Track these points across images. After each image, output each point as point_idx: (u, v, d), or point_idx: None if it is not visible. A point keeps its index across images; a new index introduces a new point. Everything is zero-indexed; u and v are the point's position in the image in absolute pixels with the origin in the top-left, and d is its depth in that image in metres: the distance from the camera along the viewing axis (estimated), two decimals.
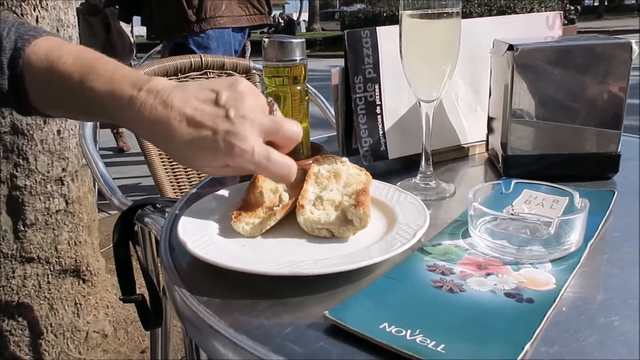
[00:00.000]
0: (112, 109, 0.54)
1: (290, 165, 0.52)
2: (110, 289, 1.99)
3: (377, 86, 0.75)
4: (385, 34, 0.74)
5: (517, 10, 13.60)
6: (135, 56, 3.99)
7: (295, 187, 0.61)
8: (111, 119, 0.56)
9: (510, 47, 0.68)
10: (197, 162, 0.52)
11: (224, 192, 0.65)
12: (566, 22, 17.99)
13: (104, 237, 2.51)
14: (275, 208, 0.56)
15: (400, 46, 0.65)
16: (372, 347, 0.37)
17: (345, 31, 0.73)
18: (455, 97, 0.81)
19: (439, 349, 0.36)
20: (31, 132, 1.65)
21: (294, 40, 0.68)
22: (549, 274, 0.47)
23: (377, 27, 0.74)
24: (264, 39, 0.69)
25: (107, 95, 0.53)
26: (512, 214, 0.58)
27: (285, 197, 0.59)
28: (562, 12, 0.88)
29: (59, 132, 1.72)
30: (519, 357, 0.35)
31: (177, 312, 0.49)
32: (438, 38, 0.64)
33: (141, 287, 1.00)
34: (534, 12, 14.41)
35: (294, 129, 0.53)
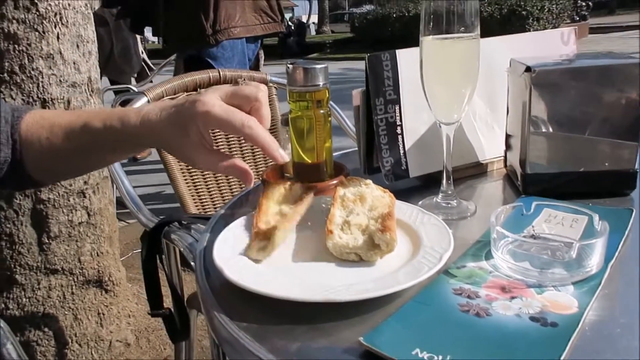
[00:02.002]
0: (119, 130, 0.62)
1: (249, 118, 0.58)
2: (131, 298, 2.03)
3: (397, 107, 0.77)
4: (405, 56, 0.76)
5: (528, 8, 13.51)
6: (150, 67, 4.04)
7: (298, 199, 0.64)
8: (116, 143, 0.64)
9: (528, 69, 0.70)
10: (176, 140, 0.60)
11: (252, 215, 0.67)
12: (578, 18, 17.84)
13: (123, 246, 2.55)
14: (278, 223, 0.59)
15: (421, 70, 0.68)
16: None
17: (367, 55, 0.75)
18: (472, 114, 0.83)
19: None
20: None
21: (317, 66, 0.70)
22: (572, 296, 0.49)
23: (397, 50, 0.76)
24: (287, 64, 0.72)
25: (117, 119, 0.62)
26: (533, 235, 0.60)
27: (286, 210, 0.62)
28: (575, 27, 0.90)
29: None
30: None
31: (215, 334, 0.52)
32: (458, 62, 0.66)
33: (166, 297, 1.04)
34: (545, 9, 14.06)
35: (252, 87, 0.60)
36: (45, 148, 0.64)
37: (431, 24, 0.63)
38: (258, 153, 1.49)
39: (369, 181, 0.68)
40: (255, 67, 2.75)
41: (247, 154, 1.48)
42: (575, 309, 0.47)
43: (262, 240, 0.57)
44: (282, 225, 0.58)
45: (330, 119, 0.76)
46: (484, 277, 0.53)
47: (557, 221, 0.62)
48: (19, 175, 0.66)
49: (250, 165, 1.46)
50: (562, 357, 0.40)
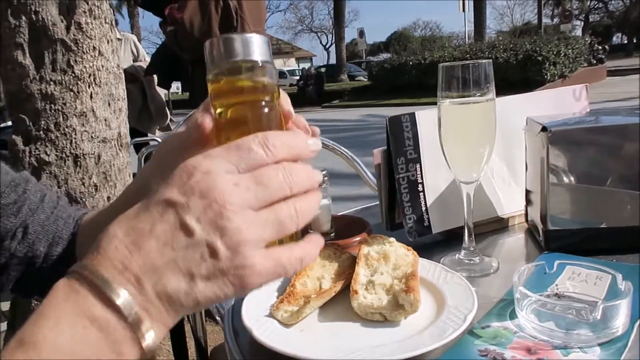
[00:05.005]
0: None
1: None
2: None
3: (418, 165, 0.80)
4: (423, 117, 0.80)
5: (544, 53, 13.66)
6: (171, 119, 4.19)
7: (341, 273, 0.65)
8: None
9: (544, 129, 0.72)
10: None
11: None
12: (595, 62, 17.95)
13: None
14: (312, 296, 0.60)
15: (440, 133, 0.70)
16: None
17: (387, 117, 0.78)
18: (490, 172, 0.85)
19: None
20: (84, 199, 1.75)
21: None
22: (598, 358, 0.49)
23: (416, 112, 0.80)
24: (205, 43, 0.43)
25: None
26: (557, 293, 0.60)
27: (325, 284, 0.62)
28: (587, 84, 0.92)
29: (109, 198, 1.82)
30: None
31: None
32: (475, 125, 0.69)
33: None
34: (561, 54, 14.07)
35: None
36: (96, 230, 0.61)
37: (448, 89, 0.67)
38: None
39: (393, 239, 0.69)
40: None
41: None
42: None
43: (292, 305, 0.58)
44: (315, 300, 0.59)
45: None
46: (509, 337, 0.54)
47: (580, 279, 0.63)
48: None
49: None
50: None
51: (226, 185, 0.34)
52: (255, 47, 0.41)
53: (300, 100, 19.37)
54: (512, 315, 0.58)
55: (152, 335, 0.34)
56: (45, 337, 0.31)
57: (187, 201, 0.34)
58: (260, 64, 0.41)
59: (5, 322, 1.89)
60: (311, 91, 19.81)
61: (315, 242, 0.39)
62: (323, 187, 0.71)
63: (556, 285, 0.62)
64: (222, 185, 0.34)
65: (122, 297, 0.33)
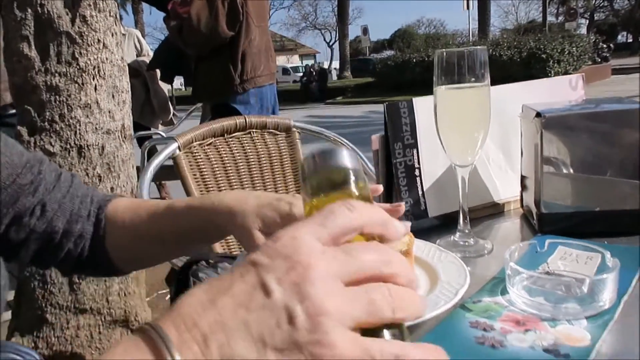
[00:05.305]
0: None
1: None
2: None
3: (415, 151, 0.82)
4: (421, 104, 0.81)
5: (548, 51, 13.64)
6: (174, 114, 4.21)
7: None
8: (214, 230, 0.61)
9: (538, 114, 0.74)
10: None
11: None
12: (599, 60, 17.91)
13: (148, 287, 2.59)
14: None
15: (436, 118, 0.72)
16: None
17: (385, 104, 0.80)
18: (487, 159, 0.87)
19: None
20: None
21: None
22: (584, 330, 0.51)
23: (413, 99, 0.81)
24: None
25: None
26: (547, 271, 0.62)
27: None
28: (583, 74, 0.94)
29: (112, 189, 1.84)
30: None
31: None
32: (470, 110, 0.71)
33: None
34: (565, 52, 13.98)
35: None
36: (128, 229, 0.64)
37: (443, 75, 0.68)
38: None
39: None
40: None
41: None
42: (588, 341, 0.49)
43: None
44: None
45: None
46: (500, 311, 0.56)
47: (572, 259, 0.65)
48: (100, 258, 0.66)
49: None
50: None
51: (313, 250, 0.32)
52: (349, 161, 0.39)
53: (303, 97, 19.41)
54: (504, 291, 0.60)
55: None
56: None
57: (270, 262, 0.32)
58: (353, 180, 0.39)
59: (10, 312, 1.92)
60: (314, 88, 19.82)
61: (429, 350, 0.33)
62: None
63: (547, 264, 0.64)
64: (309, 249, 0.32)
65: (182, 358, 0.30)
